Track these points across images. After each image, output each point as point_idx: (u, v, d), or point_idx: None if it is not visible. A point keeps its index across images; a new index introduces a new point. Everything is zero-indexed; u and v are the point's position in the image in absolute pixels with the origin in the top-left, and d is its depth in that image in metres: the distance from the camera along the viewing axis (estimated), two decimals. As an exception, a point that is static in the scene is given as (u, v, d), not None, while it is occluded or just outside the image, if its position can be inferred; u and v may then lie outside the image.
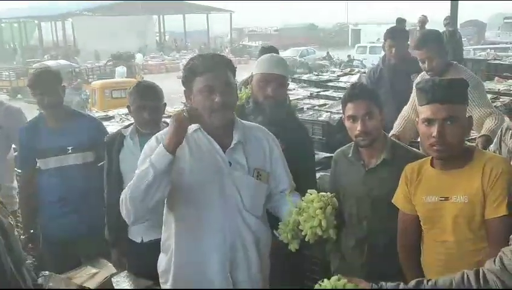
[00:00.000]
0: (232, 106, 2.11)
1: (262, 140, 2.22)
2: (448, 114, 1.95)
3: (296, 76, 9.74)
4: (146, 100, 2.84)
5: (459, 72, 3.31)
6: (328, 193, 2.00)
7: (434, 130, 1.96)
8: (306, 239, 1.94)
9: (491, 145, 2.87)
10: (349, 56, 26.13)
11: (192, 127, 2.10)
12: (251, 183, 2.13)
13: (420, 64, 3.41)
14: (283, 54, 31.18)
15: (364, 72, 6.55)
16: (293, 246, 2.02)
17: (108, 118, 5.74)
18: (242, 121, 2.23)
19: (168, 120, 4.89)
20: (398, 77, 4.10)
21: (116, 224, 2.94)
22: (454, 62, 3.57)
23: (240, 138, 2.13)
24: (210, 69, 2.03)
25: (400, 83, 4.01)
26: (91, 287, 2.48)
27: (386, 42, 4.27)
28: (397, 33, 4.18)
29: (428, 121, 1.99)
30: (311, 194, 1.99)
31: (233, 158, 2.12)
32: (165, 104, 3.03)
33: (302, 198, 2.09)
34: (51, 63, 22.14)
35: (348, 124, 2.34)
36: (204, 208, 2.10)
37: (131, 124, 3.04)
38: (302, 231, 2.00)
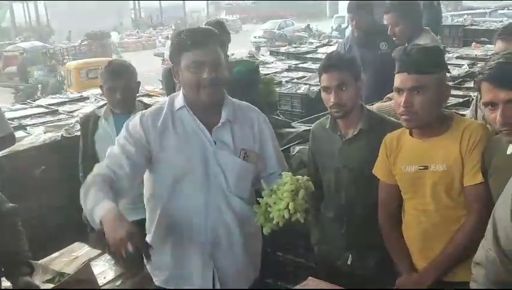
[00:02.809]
0: (221, 82, 2.00)
1: (252, 120, 2.14)
2: (415, 84, 1.92)
3: (274, 49, 9.62)
4: (117, 80, 2.76)
5: (425, 38, 3.33)
6: (304, 177, 1.95)
7: (402, 99, 1.94)
8: (274, 222, 1.89)
9: (467, 111, 2.86)
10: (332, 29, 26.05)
11: (178, 104, 2.05)
12: (237, 164, 2.06)
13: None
14: (261, 26, 31.02)
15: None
16: (266, 230, 1.96)
17: (83, 99, 5.63)
18: (233, 99, 2.15)
19: (143, 99, 4.82)
20: (366, 48, 4.11)
21: None
22: (426, 28, 3.57)
23: (229, 116, 2.06)
24: (198, 44, 1.93)
25: (367, 54, 4.02)
26: (69, 273, 2.43)
27: (348, 15, 4.27)
28: (356, 5, 4.15)
29: (398, 90, 1.97)
30: (286, 177, 1.93)
31: (218, 137, 2.05)
32: (139, 82, 2.96)
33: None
34: (24, 44, 21.64)
35: (323, 95, 2.31)
36: (187, 187, 2.05)
37: (106, 104, 2.97)
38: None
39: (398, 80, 1.96)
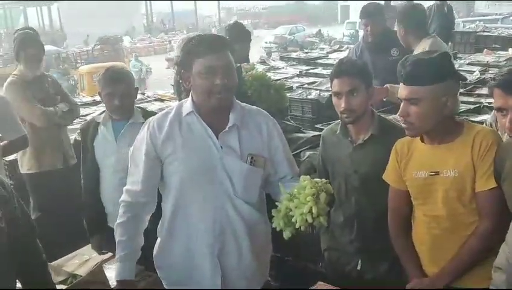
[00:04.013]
0: (233, 88, 2.03)
1: (261, 124, 2.14)
2: (410, 95, 1.94)
3: (285, 54, 9.64)
4: (115, 87, 2.76)
5: (425, 44, 3.39)
6: (323, 179, 1.95)
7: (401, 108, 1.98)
8: (296, 226, 1.87)
9: (489, 117, 2.85)
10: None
11: (186, 109, 2.07)
12: (243, 169, 2.07)
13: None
14: (273, 32, 31.06)
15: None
16: (286, 234, 1.94)
17: (96, 103, 5.67)
18: (242, 104, 2.16)
19: (155, 103, 4.85)
20: (377, 54, 4.13)
21: (94, 212, 2.92)
22: (431, 34, 3.59)
23: (236, 121, 2.06)
24: (211, 51, 1.95)
25: (379, 60, 4.04)
26: (82, 275, 2.46)
27: (361, 21, 4.28)
28: (370, 11, 4.17)
29: (399, 99, 2.01)
30: (304, 181, 1.92)
31: (225, 142, 2.05)
32: (137, 88, 2.99)
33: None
34: (37, 48, 21.82)
35: (334, 100, 2.32)
36: (195, 193, 2.07)
37: (105, 110, 2.99)
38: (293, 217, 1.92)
39: (400, 89, 2.00)
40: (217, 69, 1.94)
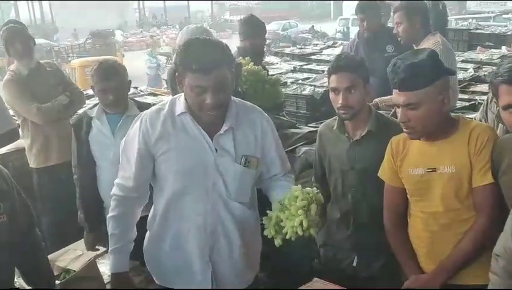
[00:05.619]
0: (224, 102, 1.97)
1: (255, 122, 2.12)
2: (406, 101, 1.92)
3: (278, 50, 9.62)
4: (108, 82, 2.75)
5: (428, 43, 3.36)
6: (314, 189, 1.93)
7: (399, 115, 1.96)
8: (287, 237, 1.88)
9: (477, 114, 2.86)
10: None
11: (179, 109, 2.03)
12: (237, 171, 2.05)
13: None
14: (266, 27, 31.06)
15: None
16: (277, 242, 1.94)
17: (88, 97, 5.62)
18: (236, 100, 2.12)
19: (148, 97, 4.81)
20: (373, 50, 4.11)
21: (90, 207, 2.88)
22: (434, 32, 3.58)
23: (232, 123, 2.03)
24: (203, 70, 1.86)
25: (375, 56, 4.01)
26: (75, 270, 2.44)
27: (357, 16, 4.26)
28: (367, 6, 4.16)
29: (396, 105, 1.99)
30: (296, 191, 1.91)
31: (220, 144, 2.03)
32: (130, 81, 2.96)
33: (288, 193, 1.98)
34: (28, 42, 21.67)
35: (331, 95, 2.31)
36: (187, 192, 2.05)
37: (97, 104, 2.95)
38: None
39: (395, 95, 1.98)
40: (207, 88, 1.88)
